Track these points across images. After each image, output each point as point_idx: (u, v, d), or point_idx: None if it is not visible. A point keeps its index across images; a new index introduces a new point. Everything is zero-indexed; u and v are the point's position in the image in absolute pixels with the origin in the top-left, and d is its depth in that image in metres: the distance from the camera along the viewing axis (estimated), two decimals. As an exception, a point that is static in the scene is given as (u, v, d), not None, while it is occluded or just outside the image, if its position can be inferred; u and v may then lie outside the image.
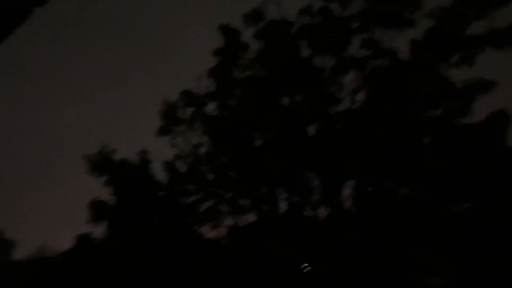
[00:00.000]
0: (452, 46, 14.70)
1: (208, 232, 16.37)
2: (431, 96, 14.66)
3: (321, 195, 15.97)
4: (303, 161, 15.57)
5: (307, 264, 14.60)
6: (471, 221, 14.71)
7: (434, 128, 14.58)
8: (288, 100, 16.16)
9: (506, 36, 14.13)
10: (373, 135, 15.21)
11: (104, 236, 16.01)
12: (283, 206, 16.34)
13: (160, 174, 16.53)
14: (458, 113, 14.51)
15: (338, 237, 15.19)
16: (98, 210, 15.86)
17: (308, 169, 15.88)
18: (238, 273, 14.60)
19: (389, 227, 14.71)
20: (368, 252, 15.12)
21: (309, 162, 15.64)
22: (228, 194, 16.64)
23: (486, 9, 14.28)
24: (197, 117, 16.96)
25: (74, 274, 15.79)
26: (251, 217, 16.52)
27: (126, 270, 15.76)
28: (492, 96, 14.22)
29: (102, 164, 15.84)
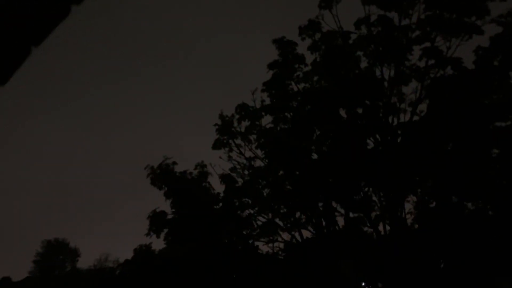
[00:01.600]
0: None
1: (264, 246, 15.13)
2: (499, 106, 12.87)
3: (380, 210, 14.42)
4: (362, 175, 14.07)
5: (364, 284, 13.09)
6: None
7: (502, 140, 12.78)
8: (346, 112, 14.71)
9: None
10: (435, 147, 13.54)
11: (163, 247, 15.18)
12: (340, 221, 14.84)
13: (217, 187, 15.59)
14: None
15: (400, 254, 13.57)
16: (158, 221, 15.08)
17: (367, 183, 14.37)
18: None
19: (454, 245, 12.96)
20: (431, 270, 13.47)
21: (368, 176, 14.12)
22: (284, 208, 15.36)
23: None
24: (252, 130, 15.84)
25: (133, 285, 15.02)
26: (307, 232, 15.13)
27: (183, 281, 14.78)
28: None
29: (163, 175, 15.08)
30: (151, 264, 15.41)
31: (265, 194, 15.74)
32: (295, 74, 15.97)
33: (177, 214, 15.71)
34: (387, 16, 14.75)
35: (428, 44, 14.41)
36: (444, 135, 13.64)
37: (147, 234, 15.32)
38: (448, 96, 13.90)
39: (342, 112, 15.44)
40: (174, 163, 16.00)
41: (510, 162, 13.08)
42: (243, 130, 16.47)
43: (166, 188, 15.71)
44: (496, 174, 13.15)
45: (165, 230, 15.76)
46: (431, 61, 14.41)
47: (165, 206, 15.69)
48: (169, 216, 15.91)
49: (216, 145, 16.49)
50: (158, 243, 16.01)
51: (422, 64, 14.52)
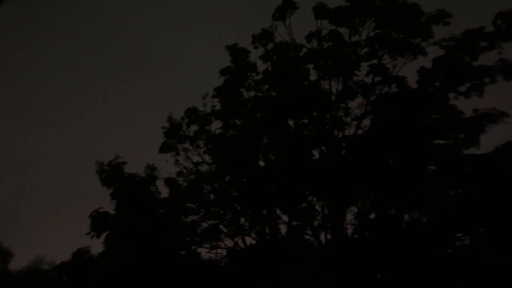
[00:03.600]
0: (462, 75, 13.37)
1: (207, 252, 14.88)
2: (438, 125, 13.30)
3: (322, 219, 14.54)
4: (306, 185, 14.13)
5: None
6: (474, 254, 13.32)
7: (439, 157, 13.20)
8: (294, 122, 14.74)
9: (517, 68, 12.85)
10: (378, 161, 13.80)
11: (102, 249, 14.56)
12: (284, 229, 14.84)
13: (162, 190, 15.16)
14: (466, 143, 13.11)
15: (340, 263, 13.70)
16: (99, 221, 14.46)
17: (311, 193, 14.44)
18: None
19: (392, 254, 13.24)
20: (369, 279, 13.68)
21: (312, 186, 14.19)
22: (229, 215, 15.19)
23: (497, 40, 13.01)
24: (201, 134, 15.57)
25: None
26: (250, 239, 15.02)
27: (120, 286, 14.26)
28: (502, 127, 12.89)
29: (112, 174, 14.48)
30: (88, 268, 14.77)
31: (210, 199, 15.48)
32: (247, 82, 15.85)
33: (120, 217, 15.15)
34: (338, 32, 14.95)
35: (375, 61, 14.66)
36: (386, 149, 13.90)
37: (88, 234, 14.70)
38: (392, 112, 14.19)
39: (291, 122, 15.43)
40: (124, 163, 15.46)
41: (446, 177, 13.48)
42: (191, 134, 16.15)
43: (113, 189, 15.12)
44: (432, 188, 13.53)
45: (106, 233, 15.16)
46: (378, 78, 14.67)
47: (110, 207, 15.09)
48: (112, 219, 15.32)
49: (163, 149, 16.09)
50: (98, 247, 15.35)
51: (368, 80, 14.74)
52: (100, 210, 15.05)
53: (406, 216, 13.90)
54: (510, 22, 13.21)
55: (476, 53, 13.70)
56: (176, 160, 16.00)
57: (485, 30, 13.44)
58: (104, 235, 14.83)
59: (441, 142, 13.69)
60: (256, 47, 15.87)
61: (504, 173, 13.51)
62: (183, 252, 15.25)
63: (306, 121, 15.33)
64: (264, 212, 15.37)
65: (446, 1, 14.47)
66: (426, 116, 13.82)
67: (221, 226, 15.46)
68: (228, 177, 15.72)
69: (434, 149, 13.65)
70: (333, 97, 15.06)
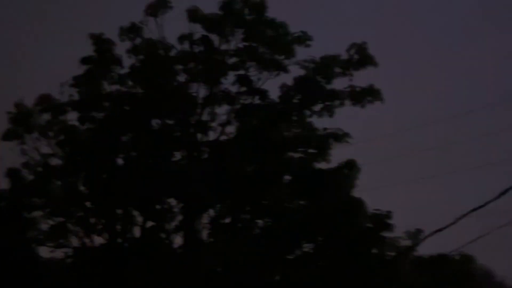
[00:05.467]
0: (317, 96, 14.62)
1: (51, 250, 13.69)
2: (295, 138, 14.30)
3: (178, 222, 14.53)
4: (165, 186, 13.95)
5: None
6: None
7: (294, 168, 14.19)
8: (158, 122, 14.43)
9: (362, 95, 14.50)
10: (237, 168, 14.29)
11: None
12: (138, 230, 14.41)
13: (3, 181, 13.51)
14: (316, 158, 14.35)
15: (194, 266, 13.81)
16: None
17: (170, 194, 14.30)
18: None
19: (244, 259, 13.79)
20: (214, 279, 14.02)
21: (171, 187, 14.07)
22: (79, 212, 14.23)
23: (349, 68, 14.54)
24: (53, 125, 14.26)
25: None
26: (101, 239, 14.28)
27: None
28: (345, 145, 14.36)
29: None
30: None
31: (59, 195, 14.26)
32: (110, 75, 14.98)
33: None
34: (209, 38, 15.02)
35: (242, 72, 15.08)
36: (248, 157, 14.40)
37: None
38: (255, 122, 14.76)
39: (154, 122, 15.06)
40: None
41: (298, 188, 14.45)
42: (43, 123, 14.68)
43: None
44: (285, 196, 14.38)
45: None
46: (243, 88, 15.10)
47: None
48: None
49: (8, 136, 14.34)
50: None
51: (234, 89, 15.10)
52: None
53: (260, 222, 14.45)
54: (361, 53, 14.69)
55: (330, 77, 14.93)
56: (23, 150, 14.35)
57: (340, 57, 14.72)
58: None
59: (297, 155, 14.58)
60: (123, 40, 15.08)
61: (342, 187, 14.95)
62: (19, 250, 13.74)
63: (170, 122, 15.06)
64: (119, 211, 14.67)
65: (311, 25, 15.53)
66: (286, 129, 14.60)
67: (69, 224, 14.32)
68: (81, 173, 14.65)
69: (290, 161, 14.49)
70: (200, 101, 15.02)
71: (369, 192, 14.86)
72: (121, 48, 15.13)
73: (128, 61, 15.14)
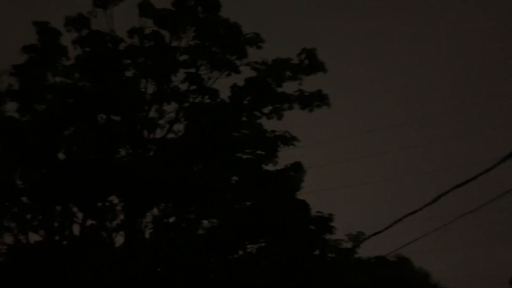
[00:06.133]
0: (267, 98, 14.72)
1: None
2: (245, 140, 14.32)
3: (121, 220, 14.13)
4: (108, 183, 13.54)
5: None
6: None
7: (241, 170, 14.20)
8: (104, 117, 13.98)
9: (311, 100, 14.74)
10: (185, 167, 14.09)
11: None
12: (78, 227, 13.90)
13: None
14: (264, 160, 14.43)
15: (132, 265, 13.48)
16: None
17: (113, 192, 13.89)
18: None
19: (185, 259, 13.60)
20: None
21: (114, 185, 13.67)
22: (14, 207, 13.54)
23: (299, 73, 14.74)
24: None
25: None
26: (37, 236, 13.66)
27: None
28: (292, 148, 14.56)
29: None
30: None
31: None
32: (55, 65, 14.34)
33: None
34: (160, 33, 14.73)
35: (193, 70, 14.90)
36: (196, 156, 14.23)
37: None
38: (204, 122, 14.61)
39: (99, 116, 14.56)
40: None
41: (245, 189, 14.45)
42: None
43: None
44: (231, 197, 14.33)
45: None
46: (193, 87, 14.92)
47: None
48: None
49: None
50: None
51: (184, 87, 14.89)
52: None
53: (205, 222, 14.30)
54: (311, 58, 14.90)
55: (281, 80, 15.03)
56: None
57: (292, 61, 14.87)
58: None
59: (245, 156, 14.55)
60: (69, 30, 14.50)
61: (288, 189, 15.08)
62: None
63: (116, 117, 14.61)
64: (57, 208, 14.05)
65: (264, 28, 15.58)
66: (235, 130, 14.54)
67: (3, 221, 13.55)
68: (18, 166, 13.91)
69: (238, 162, 14.45)
70: (148, 98, 14.68)
71: (315, 194, 15.01)
72: (67, 38, 14.44)
73: (74, 53, 14.46)
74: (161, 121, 14.72)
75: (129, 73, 14.73)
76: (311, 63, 15.15)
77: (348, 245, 14.93)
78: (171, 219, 14.73)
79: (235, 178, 14.68)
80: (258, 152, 15.01)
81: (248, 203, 14.74)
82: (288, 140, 15.09)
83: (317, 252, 14.62)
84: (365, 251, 14.48)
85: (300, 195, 14.66)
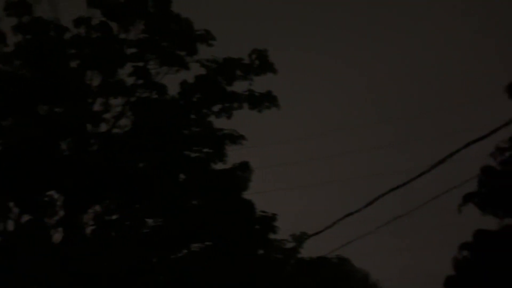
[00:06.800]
0: (217, 96, 14.69)
1: None
2: (194, 137, 14.21)
3: (60, 217, 13.62)
4: (48, 178, 13.02)
5: None
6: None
7: (189, 168, 14.09)
8: (45, 108, 13.40)
9: (260, 100, 14.86)
10: (131, 164, 13.80)
11: None
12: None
13: None
14: (212, 158, 14.40)
15: (71, 262, 13.05)
16: None
17: (52, 186, 13.37)
18: None
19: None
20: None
21: (54, 180, 13.16)
22: None
23: (249, 73, 14.82)
24: None
25: None
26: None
27: None
28: (241, 148, 14.58)
29: None
30: None
31: None
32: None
33: None
34: (108, 25, 14.30)
35: (141, 64, 14.58)
36: (142, 153, 13.93)
37: None
38: (152, 118, 14.33)
39: (40, 108, 13.94)
40: None
41: (193, 188, 14.31)
42: None
43: None
44: (178, 195, 14.15)
45: None
46: (140, 81, 14.61)
47: None
48: None
49: None
50: None
51: (131, 81, 14.54)
52: None
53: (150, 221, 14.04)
54: (262, 59, 14.98)
55: (231, 79, 15.00)
56: None
57: (243, 61, 14.87)
58: None
59: (194, 154, 14.42)
60: (9, 15, 13.76)
61: (234, 188, 15.09)
62: None
63: (58, 109, 14.03)
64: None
65: (215, 25, 15.46)
66: (184, 128, 14.37)
67: None
68: None
69: (186, 159, 14.29)
70: (93, 90, 14.20)
71: (262, 195, 15.06)
72: (7, 24, 13.63)
73: (14, 39, 13.69)
74: (107, 115, 14.14)
75: (73, 64, 14.08)
76: (261, 63, 15.13)
77: (292, 245, 15.03)
78: (114, 217, 14.20)
79: (182, 176, 14.40)
80: (206, 150, 14.77)
81: (194, 202, 14.50)
82: (236, 138, 15.03)
83: (261, 252, 14.61)
84: (309, 252, 14.68)
85: (247, 195, 14.61)
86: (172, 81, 15.08)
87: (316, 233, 15.64)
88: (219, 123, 15.10)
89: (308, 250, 15.15)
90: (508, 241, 9.69)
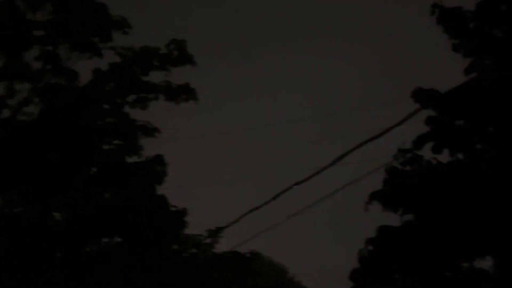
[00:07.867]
0: (131, 86, 14.34)
1: None
2: (106, 129, 13.74)
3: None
4: None
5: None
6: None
7: (103, 160, 13.64)
8: None
9: (178, 92, 14.80)
10: (35, 153, 13.06)
11: None
12: None
13: None
14: (126, 150, 14.04)
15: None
16: None
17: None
18: None
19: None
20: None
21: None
22: None
23: (166, 64, 14.64)
24: None
25: None
26: None
27: None
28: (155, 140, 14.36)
29: None
30: None
31: None
32: None
33: None
34: (15, 3, 13.30)
35: (50, 48, 13.75)
36: (51, 142, 13.18)
37: None
38: (62, 106, 13.60)
39: None
40: None
41: (105, 181, 13.80)
42: None
43: None
44: (89, 188, 13.60)
45: None
46: (49, 66, 13.78)
47: None
48: None
49: None
50: None
51: (38, 65, 13.67)
52: None
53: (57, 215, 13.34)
54: (181, 50, 14.78)
55: (147, 69, 14.64)
56: None
57: (161, 51, 14.56)
58: None
59: (108, 146, 13.90)
60: None
61: (148, 182, 14.80)
62: None
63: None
64: None
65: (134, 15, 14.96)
66: (97, 118, 13.79)
67: None
68: None
69: (98, 151, 13.74)
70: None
71: (178, 190, 14.83)
72: None
73: None
74: (10, 101, 13.04)
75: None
76: (180, 54, 14.82)
77: (207, 240, 14.98)
78: (17, 210, 13.20)
79: (94, 169, 13.72)
80: (117, 142, 14.19)
81: (106, 196, 13.89)
82: (149, 131, 14.60)
83: (175, 247, 14.39)
84: (225, 246, 14.70)
85: (162, 190, 14.27)
86: (84, 68, 14.23)
87: (223, 228, 15.62)
88: (136, 115, 14.50)
89: (226, 245, 15.11)
90: (407, 235, 10.54)
